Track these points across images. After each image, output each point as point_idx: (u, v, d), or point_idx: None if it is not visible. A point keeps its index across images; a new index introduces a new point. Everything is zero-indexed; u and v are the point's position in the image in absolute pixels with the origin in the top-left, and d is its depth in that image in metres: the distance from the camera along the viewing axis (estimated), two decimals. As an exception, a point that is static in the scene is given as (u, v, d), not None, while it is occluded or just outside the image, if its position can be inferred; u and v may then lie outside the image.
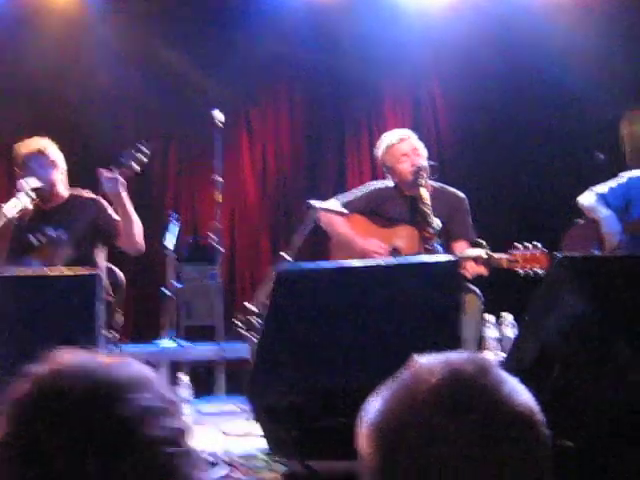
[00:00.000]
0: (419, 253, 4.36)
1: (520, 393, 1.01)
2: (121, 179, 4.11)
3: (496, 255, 4.11)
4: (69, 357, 0.99)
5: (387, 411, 1.01)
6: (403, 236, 4.55)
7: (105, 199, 4.38)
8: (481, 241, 4.22)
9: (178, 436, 0.98)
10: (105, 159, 4.53)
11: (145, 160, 4.22)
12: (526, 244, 4.04)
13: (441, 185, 4.72)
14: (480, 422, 0.96)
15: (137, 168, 4.19)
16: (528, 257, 4.01)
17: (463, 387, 0.99)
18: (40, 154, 4.38)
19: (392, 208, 4.66)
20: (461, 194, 4.71)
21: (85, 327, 2.93)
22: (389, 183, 4.77)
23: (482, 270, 4.17)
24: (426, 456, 0.95)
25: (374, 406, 1.04)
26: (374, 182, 5.02)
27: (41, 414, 0.92)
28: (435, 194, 4.48)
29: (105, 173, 4.11)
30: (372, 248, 4.47)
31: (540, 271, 3.96)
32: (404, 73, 7.84)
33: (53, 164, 4.41)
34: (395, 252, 4.52)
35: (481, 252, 4.11)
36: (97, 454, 0.90)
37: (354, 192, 4.86)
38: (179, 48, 7.60)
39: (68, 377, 0.95)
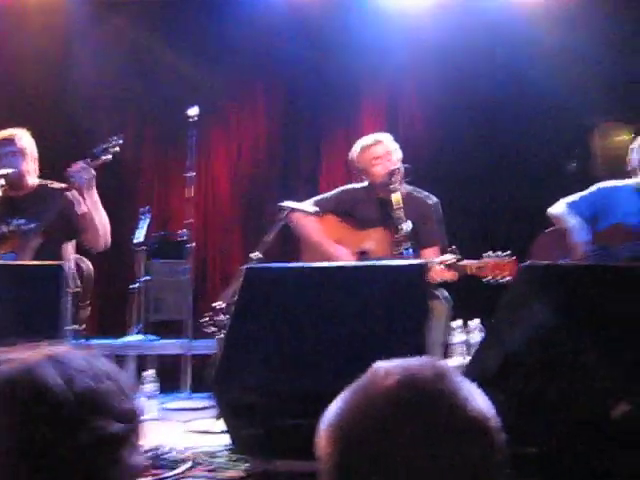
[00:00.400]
0: (390, 256, 4.37)
1: (476, 399, 1.02)
2: (92, 171, 4.09)
3: (464, 261, 4.12)
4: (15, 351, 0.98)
5: (344, 412, 1.02)
6: (374, 239, 4.56)
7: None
8: (451, 247, 4.23)
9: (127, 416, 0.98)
10: (79, 152, 4.50)
11: (116, 151, 4.21)
12: (495, 252, 4.06)
13: (414, 189, 4.73)
14: (435, 425, 0.97)
15: (108, 158, 4.18)
16: (496, 265, 4.03)
17: (418, 390, 1.00)
18: (8, 142, 4.34)
19: (364, 210, 4.67)
20: (434, 199, 4.72)
21: (49, 319, 2.90)
22: (362, 185, 4.78)
23: (450, 275, 4.18)
24: (380, 457, 0.95)
25: (333, 407, 1.05)
26: (348, 184, 5.03)
27: None
28: (408, 198, 4.50)
29: (77, 165, 4.08)
30: (340, 255, 4.49)
31: (507, 279, 3.98)
32: (383, 73, 7.85)
33: (22, 152, 4.37)
34: (365, 255, 4.53)
35: (450, 258, 4.12)
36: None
37: (328, 193, 4.88)
38: (156, 41, 7.57)
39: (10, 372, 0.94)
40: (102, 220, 4.26)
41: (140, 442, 1.02)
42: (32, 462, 0.90)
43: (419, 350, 2.49)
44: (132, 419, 1.01)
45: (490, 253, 4.06)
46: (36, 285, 3.02)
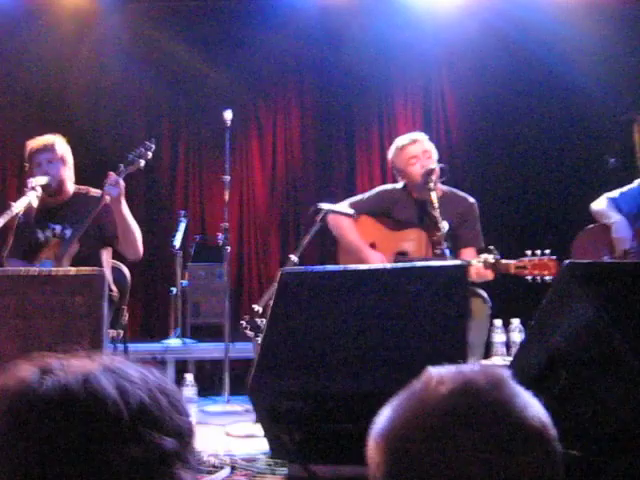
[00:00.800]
0: (427, 257, 4.34)
1: (533, 407, 0.99)
2: (122, 184, 4.10)
3: (504, 261, 4.07)
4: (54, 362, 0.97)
5: (396, 420, 0.99)
6: (411, 239, 4.53)
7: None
8: (490, 247, 4.18)
9: (178, 434, 0.96)
10: (114, 158, 4.53)
11: (149, 157, 4.24)
12: (536, 251, 4.00)
13: (451, 189, 4.69)
14: (490, 435, 0.94)
15: (142, 164, 4.21)
16: (536, 264, 3.97)
17: (474, 399, 0.97)
18: (47, 149, 4.37)
19: (401, 210, 4.64)
20: (471, 199, 4.67)
21: (90, 327, 2.91)
22: (399, 185, 4.75)
23: (489, 275, 4.13)
24: (433, 468, 0.93)
25: (384, 415, 1.02)
26: (385, 185, 5.00)
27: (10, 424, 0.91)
28: (445, 198, 4.45)
29: (111, 177, 4.10)
30: (374, 262, 4.46)
31: (548, 278, 3.93)
32: (415, 74, 7.82)
33: (61, 159, 4.40)
34: (403, 256, 4.50)
35: (489, 257, 4.07)
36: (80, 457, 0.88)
37: (364, 194, 4.85)
38: (188, 46, 7.61)
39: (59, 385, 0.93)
40: (133, 232, 4.27)
41: (193, 459, 1.00)
42: (84, 473, 0.88)
43: (460, 351, 2.45)
44: (185, 435, 0.99)
45: (530, 252, 4.00)
46: (76, 293, 3.02)
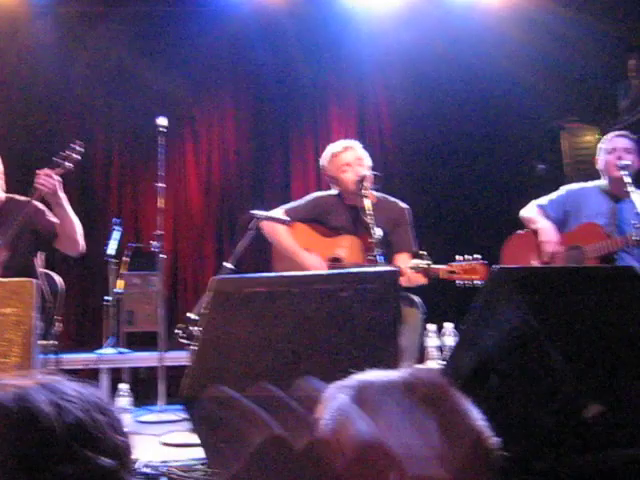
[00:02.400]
0: (362, 263, 4.38)
1: (477, 413, 1.01)
2: (57, 178, 4.07)
3: (435, 266, 4.13)
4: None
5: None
6: (345, 246, 4.56)
7: (43, 201, 4.31)
8: (422, 252, 4.24)
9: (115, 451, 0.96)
10: (45, 163, 4.46)
11: (79, 158, 4.18)
12: (466, 256, 4.07)
13: (384, 195, 4.74)
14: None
15: (71, 166, 4.15)
16: (467, 268, 4.04)
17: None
18: None
19: (335, 217, 4.67)
20: (404, 205, 4.73)
21: (20, 338, 2.86)
22: (332, 192, 4.79)
23: (421, 280, 4.19)
24: None
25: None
26: (319, 192, 5.03)
27: None
28: (378, 204, 4.50)
29: (41, 173, 4.06)
30: (312, 264, 4.50)
31: (478, 282, 4.00)
32: (350, 80, 7.89)
33: None
34: (336, 262, 4.53)
35: (420, 262, 4.13)
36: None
37: (298, 201, 4.87)
38: (122, 51, 7.54)
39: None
40: (74, 225, 4.23)
41: (130, 478, 1.00)
42: None
43: (393, 356, 2.48)
44: (122, 454, 0.98)
45: (460, 257, 4.07)
46: (6, 302, 2.97)
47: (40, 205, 4.26)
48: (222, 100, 8.05)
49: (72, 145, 4.20)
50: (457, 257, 4.08)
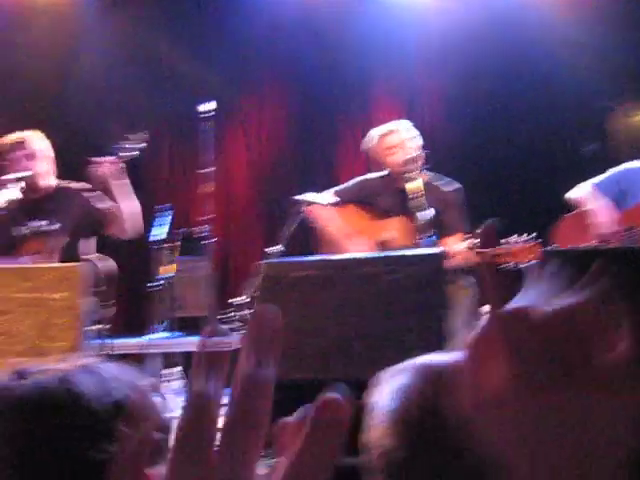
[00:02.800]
0: (411, 245, 4.34)
1: None
2: (118, 164, 4.14)
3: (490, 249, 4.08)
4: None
5: (405, 401, 0.97)
6: (394, 228, 4.53)
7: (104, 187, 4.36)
8: (473, 233, 4.19)
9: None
10: (97, 151, 4.52)
11: (142, 146, 4.24)
12: (519, 237, 4.01)
13: (435, 175, 4.68)
14: None
15: (135, 154, 4.22)
16: (520, 249, 3.99)
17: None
18: (20, 146, 4.34)
19: (383, 200, 4.64)
20: (456, 184, 4.67)
21: (71, 323, 2.89)
22: (381, 174, 4.75)
23: (474, 260, 4.13)
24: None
25: (387, 398, 1.00)
26: (368, 174, 4.99)
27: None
28: (429, 185, 4.45)
29: (105, 160, 4.12)
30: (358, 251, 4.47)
31: (532, 263, 3.94)
32: (397, 64, 7.80)
33: (33, 155, 4.37)
34: (385, 245, 4.50)
35: (472, 243, 4.08)
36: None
37: (348, 183, 4.84)
38: (171, 37, 7.57)
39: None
40: (133, 209, 4.30)
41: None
42: (62, 470, 0.87)
43: (438, 339, 2.46)
44: (164, 432, 0.98)
45: (512, 238, 4.01)
46: (57, 287, 3.00)
47: (92, 192, 4.32)
48: (268, 84, 8.04)
49: (137, 134, 4.26)
50: (510, 238, 4.03)
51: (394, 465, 0.96)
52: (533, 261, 3.94)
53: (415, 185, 4.27)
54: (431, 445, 0.92)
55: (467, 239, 4.21)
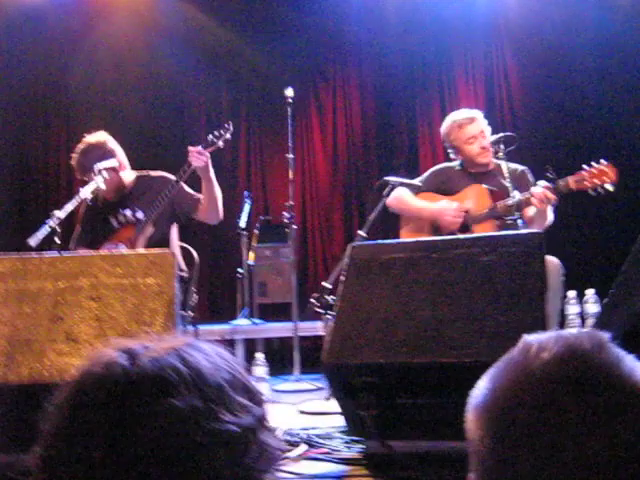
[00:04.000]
0: (491, 209, 4.29)
1: None
2: (207, 153, 4.19)
3: (563, 179, 4.02)
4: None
5: (498, 390, 0.94)
6: (471, 197, 4.48)
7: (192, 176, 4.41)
8: (546, 166, 4.12)
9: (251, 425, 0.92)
10: (176, 141, 4.57)
11: (229, 137, 4.28)
12: (592, 163, 3.95)
13: (500, 162, 4.60)
14: (602, 399, 0.88)
15: (221, 145, 4.26)
16: (595, 173, 3.92)
17: (581, 363, 0.91)
18: (98, 148, 4.41)
19: (457, 185, 4.59)
20: (520, 167, 4.58)
21: (163, 307, 2.91)
22: (456, 163, 4.71)
23: (553, 198, 4.05)
24: (542, 436, 0.87)
25: (482, 387, 0.97)
26: (444, 163, 4.94)
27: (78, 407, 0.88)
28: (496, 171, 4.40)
29: (193, 150, 4.17)
30: (441, 207, 4.45)
31: (610, 186, 3.86)
32: (475, 47, 7.69)
33: (112, 153, 4.43)
34: (465, 213, 4.44)
35: (545, 182, 4.04)
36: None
37: (425, 174, 4.82)
38: (245, 26, 7.62)
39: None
40: (218, 197, 4.36)
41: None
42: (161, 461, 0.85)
43: (540, 323, 2.39)
44: (257, 417, 0.96)
45: (585, 167, 3.96)
46: (148, 272, 3.03)
47: (173, 178, 4.36)
48: (346, 71, 8.01)
49: (225, 125, 4.31)
50: (583, 166, 3.96)
51: (481, 454, 0.93)
52: (610, 183, 3.88)
53: (504, 167, 4.21)
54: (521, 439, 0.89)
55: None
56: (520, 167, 4.57)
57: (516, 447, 0.89)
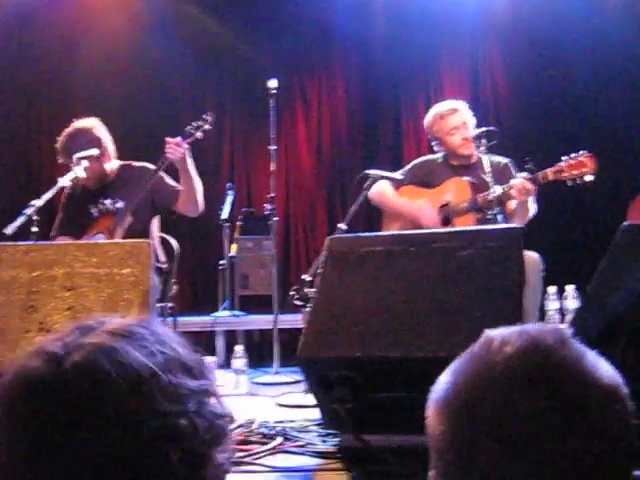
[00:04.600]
0: (472, 202, 4.29)
1: (603, 366, 0.92)
2: (186, 145, 4.15)
3: (542, 171, 4.02)
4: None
5: (460, 384, 0.93)
6: (452, 189, 4.49)
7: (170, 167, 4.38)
8: (526, 158, 4.13)
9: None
10: (161, 131, 4.54)
11: (208, 128, 4.25)
12: (572, 154, 3.95)
13: (487, 154, 4.59)
14: (563, 394, 0.87)
15: (200, 135, 4.22)
16: (573, 164, 3.92)
17: (542, 357, 0.91)
18: (82, 134, 4.38)
19: (439, 178, 4.59)
20: (504, 159, 4.58)
21: (139, 298, 2.89)
22: (438, 155, 4.71)
23: (531, 189, 4.05)
24: (502, 431, 0.87)
25: (444, 381, 0.96)
26: (425, 156, 4.93)
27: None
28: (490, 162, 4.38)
29: (171, 142, 4.14)
30: (420, 207, 4.45)
31: (589, 177, 3.86)
32: (461, 41, 7.67)
33: (98, 141, 4.40)
34: (446, 207, 4.44)
35: (524, 174, 4.04)
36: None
37: (407, 166, 4.81)
38: (230, 19, 7.59)
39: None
40: (197, 189, 4.31)
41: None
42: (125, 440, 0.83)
43: (517, 317, 2.38)
44: (202, 375, 0.93)
45: (564, 157, 3.95)
46: (124, 263, 3.00)
47: (154, 169, 4.33)
48: (331, 63, 7.98)
49: (204, 116, 4.28)
50: (563, 158, 3.96)
51: (441, 448, 0.93)
52: (588, 174, 3.88)
53: (484, 161, 4.20)
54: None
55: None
56: (503, 160, 4.57)
57: (477, 441, 0.88)
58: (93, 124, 4.45)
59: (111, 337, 0.89)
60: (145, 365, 0.86)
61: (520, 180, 4.05)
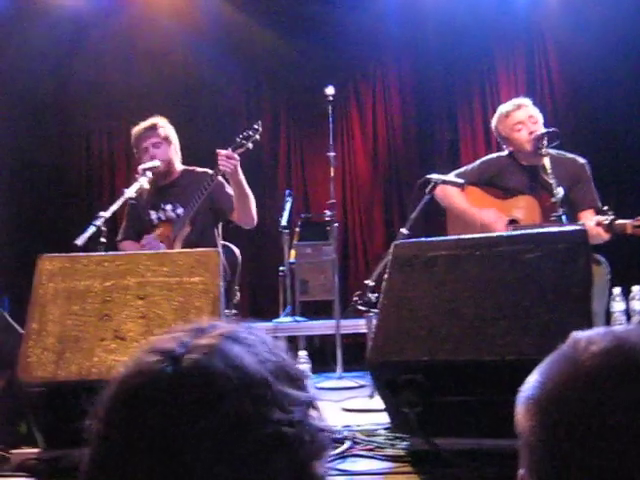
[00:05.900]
0: (539, 224, 4.22)
1: None
2: (236, 156, 4.17)
3: (620, 221, 3.93)
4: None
5: (548, 383, 0.95)
6: (522, 207, 4.42)
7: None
8: (604, 207, 4.04)
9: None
10: (217, 140, 4.60)
11: (258, 138, 4.27)
12: None
13: (559, 152, 4.52)
14: None
15: (250, 146, 4.24)
16: None
17: (629, 355, 0.92)
18: (152, 132, 4.47)
19: (509, 178, 4.52)
20: (581, 159, 4.50)
21: (208, 305, 2.94)
22: (504, 153, 4.64)
23: (603, 235, 3.98)
24: (591, 427, 0.88)
25: (532, 381, 0.99)
26: (490, 154, 4.88)
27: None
28: (555, 162, 4.30)
29: (222, 154, 4.17)
30: (490, 220, 4.38)
31: None
32: (515, 39, 7.63)
33: (165, 140, 4.50)
34: (514, 223, 4.39)
35: (604, 218, 3.94)
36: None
37: (470, 165, 4.75)
38: (281, 26, 7.66)
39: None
40: (249, 201, 4.35)
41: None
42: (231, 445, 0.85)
43: (586, 320, 2.37)
44: (306, 388, 0.96)
45: None
46: (194, 271, 3.06)
47: (219, 177, 4.38)
48: (385, 68, 8.00)
49: (253, 126, 4.29)
50: None
51: (531, 447, 0.94)
52: None
53: (546, 162, 4.15)
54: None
55: (599, 214, 4.07)
56: (580, 159, 4.50)
57: (566, 437, 0.90)
58: (160, 122, 4.55)
59: (224, 340, 0.92)
60: (258, 370, 0.89)
61: (594, 224, 3.97)
